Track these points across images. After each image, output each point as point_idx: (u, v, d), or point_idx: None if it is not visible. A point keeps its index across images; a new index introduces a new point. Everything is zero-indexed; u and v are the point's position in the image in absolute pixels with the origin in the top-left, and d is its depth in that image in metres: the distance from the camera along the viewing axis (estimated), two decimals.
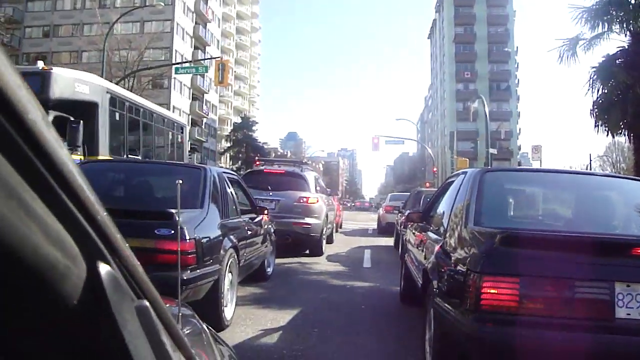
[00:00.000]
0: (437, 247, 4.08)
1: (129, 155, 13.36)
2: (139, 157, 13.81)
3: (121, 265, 0.53)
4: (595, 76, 16.24)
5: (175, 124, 18.83)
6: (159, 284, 1.98)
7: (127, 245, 0.53)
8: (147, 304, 0.55)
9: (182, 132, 19.56)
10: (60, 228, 0.44)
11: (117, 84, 32.20)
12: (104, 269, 0.49)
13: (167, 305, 1.73)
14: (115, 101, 12.98)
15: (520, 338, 2.79)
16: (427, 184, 42.68)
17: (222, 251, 5.29)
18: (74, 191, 0.45)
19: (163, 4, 32.26)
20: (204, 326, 1.63)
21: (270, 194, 11.11)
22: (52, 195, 0.42)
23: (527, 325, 2.81)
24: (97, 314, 0.48)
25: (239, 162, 67.38)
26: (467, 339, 2.99)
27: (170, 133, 18.26)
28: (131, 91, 42.63)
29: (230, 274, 5.62)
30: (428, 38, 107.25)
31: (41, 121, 0.40)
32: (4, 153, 0.37)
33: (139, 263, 0.56)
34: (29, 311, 0.44)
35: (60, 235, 0.44)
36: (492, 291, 2.89)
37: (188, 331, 1.52)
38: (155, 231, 4.32)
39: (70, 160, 0.44)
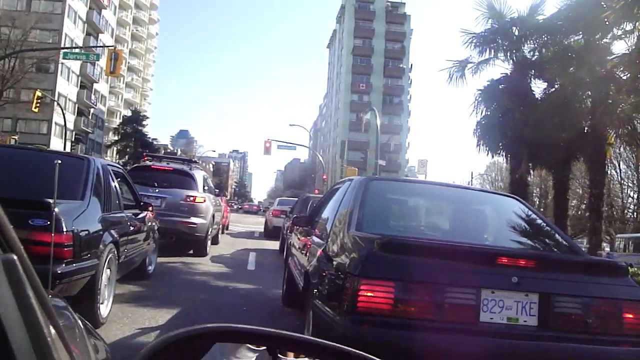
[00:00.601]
0: (319, 251, 4.16)
1: None
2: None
3: None
4: (480, 98, 17.24)
5: None
6: None
7: None
8: (14, 257, 0.55)
9: None
10: None
11: None
12: None
13: None
14: None
15: (393, 339, 2.91)
16: (316, 191, 43.32)
17: (101, 246, 5.10)
18: None
19: None
20: (77, 319, 1.58)
21: (157, 190, 10.84)
22: None
23: (401, 327, 2.94)
24: None
25: (127, 156, 65.16)
26: (342, 339, 3.08)
27: None
28: (12, 73, 40.32)
29: (108, 270, 5.42)
30: (327, 47, 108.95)
31: None
32: None
33: (7, 219, 0.56)
34: None
35: None
36: (369, 294, 2.99)
37: (61, 323, 1.47)
38: (30, 221, 4.11)
39: None
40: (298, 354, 1.03)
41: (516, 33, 17.01)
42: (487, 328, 3.02)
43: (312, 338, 1.01)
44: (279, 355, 1.02)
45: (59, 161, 2.29)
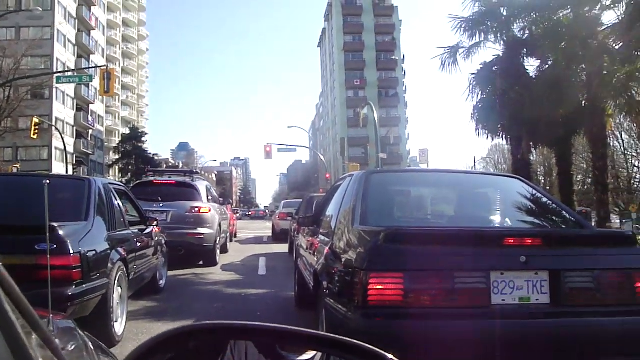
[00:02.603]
0: (326, 249, 4.16)
1: None
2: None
3: None
4: (474, 82, 17.19)
5: None
6: (44, 301, 1.89)
7: None
8: None
9: None
10: None
11: None
12: None
13: (53, 319, 1.66)
14: None
15: (406, 330, 2.92)
16: (320, 190, 43.28)
17: (109, 264, 5.11)
18: None
19: (41, 10, 30.63)
20: (87, 340, 1.58)
21: (161, 204, 10.85)
22: None
23: (413, 317, 2.95)
24: None
25: (129, 174, 65.34)
26: (356, 334, 3.07)
27: None
28: (7, 102, 40.41)
29: (119, 288, 5.43)
30: (318, 46, 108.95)
31: None
32: None
33: None
34: None
35: None
36: (378, 287, 2.99)
37: (72, 347, 1.47)
38: (36, 246, 4.11)
39: None
40: (298, 347, 1.04)
41: (505, 13, 16.94)
42: (500, 310, 3.01)
43: (310, 331, 1.01)
44: (279, 349, 1.02)
45: (48, 181, 2.28)
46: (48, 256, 2.87)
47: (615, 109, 15.83)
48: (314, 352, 1.01)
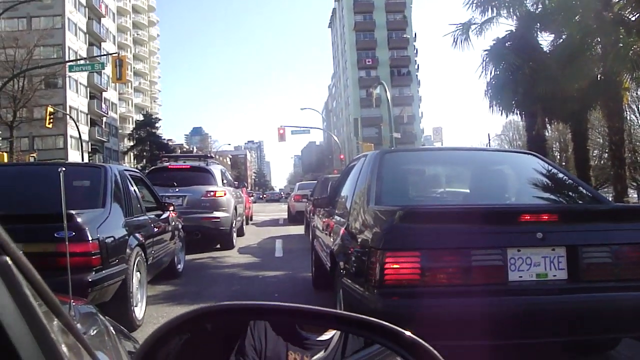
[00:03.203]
0: (342, 230, 4.18)
1: None
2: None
3: None
4: (487, 59, 16.97)
5: None
6: (65, 288, 1.92)
7: None
8: (7, 259, 0.57)
9: None
10: None
11: (4, 84, 30.63)
12: None
13: (75, 304, 1.69)
14: None
15: (423, 308, 2.93)
16: (335, 171, 43.25)
17: (128, 250, 5.17)
18: None
19: None
20: (108, 324, 1.60)
21: (177, 190, 10.93)
22: None
23: (430, 296, 2.96)
24: None
25: (144, 160, 65.70)
26: (374, 314, 3.09)
27: None
28: (22, 92, 40.75)
29: (138, 273, 5.50)
30: (329, 27, 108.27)
31: None
32: None
33: None
34: None
35: None
36: (395, 266, 3.00)
37: (94, 331, 1.49)
38: (55, 234, 4.17)
39: None
40: (317, 326, 1.04)
41: None
42: (517, 287, 3.02)
43: (330, 309, 1.02)
44: (297, 328, 1.03)
45: (63, 169, 2.30)
46: (67, 243, 2.91)
47: (632, 82, 15.60)
48: (334, 331, 1.02)
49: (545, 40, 17.16)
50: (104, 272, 4.56)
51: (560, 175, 4.55)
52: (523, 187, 4.40)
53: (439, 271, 3.02)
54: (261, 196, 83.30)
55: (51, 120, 31.65)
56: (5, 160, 24.97)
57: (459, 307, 2.93)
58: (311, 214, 9.16)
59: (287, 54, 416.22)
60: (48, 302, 0.62)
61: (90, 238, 4.41)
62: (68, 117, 47.06)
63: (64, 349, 0.61)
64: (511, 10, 16.78)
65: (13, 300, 0.54)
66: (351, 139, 70.77)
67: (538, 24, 16.65)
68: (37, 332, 0.55)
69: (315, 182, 19.86)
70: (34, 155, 43.61)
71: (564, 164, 37.86)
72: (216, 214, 11.17)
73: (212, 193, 11.32)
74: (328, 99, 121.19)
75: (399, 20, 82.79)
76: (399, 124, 49.45)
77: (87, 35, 61.42)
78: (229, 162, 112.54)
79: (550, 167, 4.57)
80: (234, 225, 12.07)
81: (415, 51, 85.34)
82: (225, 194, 11.62)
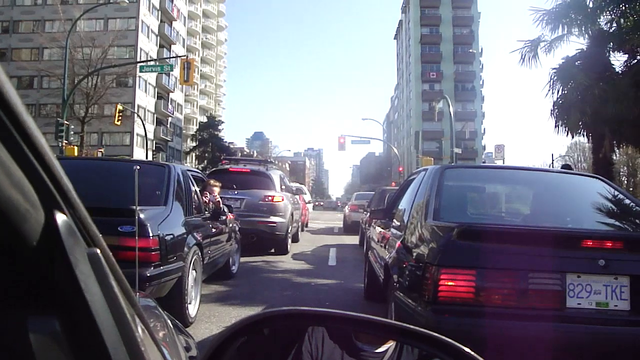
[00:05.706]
0: (397, 243, 4.16)
1: None
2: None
3: (75, 215, 0.59)
4: (555, 77, 16.55)
5: None
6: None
7: (79, 200, 0.60)
8: (98, 251, 0.61)
9: None
10: (22, 176, 0.49)
11: (80, 81, 31.91)
12: (60, 217, 0.55)
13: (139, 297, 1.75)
14: None
15: (476, 328, 2.87)
16: (393, 183, 43.02)
17: (185, 248, 5.29)
18: (34, 146, 0.50)
19: (127, 2, 31.83)
20: (167, 319, 1.66)
21: (236, 192, 11.09)
22: (16, 147, 0.48)
23: (483, 316, 2.90)
24: (53, 254, 0.55)
25: (205, 161, 66.92)
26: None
27: None
28: (95, 90, 42.37)
29: (194, 272, 5.61)
30: (394, 39, 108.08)
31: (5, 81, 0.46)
32: None
33: (89, 215, 0.62)
34: None
35: (22, 182, 0.49)
36: (450, 283, 2.97)
37: (153, 323, 1.55)
38: (119, 228, 4.31)
39: (31, 120, 0.49)
40: (375, 336, 1.05)
41: (590, 5, 16.21)
42: (575, 314, 2.92)
43: (388, 320, 1.02)
44: (354, 338, 1.04)
45: (138, 167, 2.38)
46: (137, 238, 3.01)
47: None
48: (390, 344, 1.02)
49: (617, 60, 16.60)
50: (162, 268, 4.68)
51: (627, 201, 4.38)
52: (586, 211, 4.26)
53: (494, 291, 2.96)
54: (317, 203, 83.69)
55: (120, 118, 32.73)
56: (76, 153, 25.91)
57: (513, 330, 2.86)
58: (367, 225, 9.15)
59: (351, 64, 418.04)
60: (125, 292, 0.66)
61: (151, 234, 4.54)
62: (136, 115, 48.56)
63: (139, 337, 0.65)
64: (583, 29, 16.31)
65: (100, 289, 0.58)
66: (411, 152, 70.23)
67: (611, 43, 16.14)
68: (118, 319, 0.59)
69: (373, 193, 19.80)
70: (102, 150, 45.14)
71: (631, 189, 36.48)
72: (273, 218, 11.28)
73: (270, 198, 11.45)
74: (390, 111, 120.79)
75: (465, 34, 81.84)
76: (460, 139, 48.85)
77: (158, 38, 63.26)
78: (288, 168, 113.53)
79: (616, 192, 4.42)
80: (289, 231, 12.15)
81: (480, 66, 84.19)
82: (282, 200, 11.72)
